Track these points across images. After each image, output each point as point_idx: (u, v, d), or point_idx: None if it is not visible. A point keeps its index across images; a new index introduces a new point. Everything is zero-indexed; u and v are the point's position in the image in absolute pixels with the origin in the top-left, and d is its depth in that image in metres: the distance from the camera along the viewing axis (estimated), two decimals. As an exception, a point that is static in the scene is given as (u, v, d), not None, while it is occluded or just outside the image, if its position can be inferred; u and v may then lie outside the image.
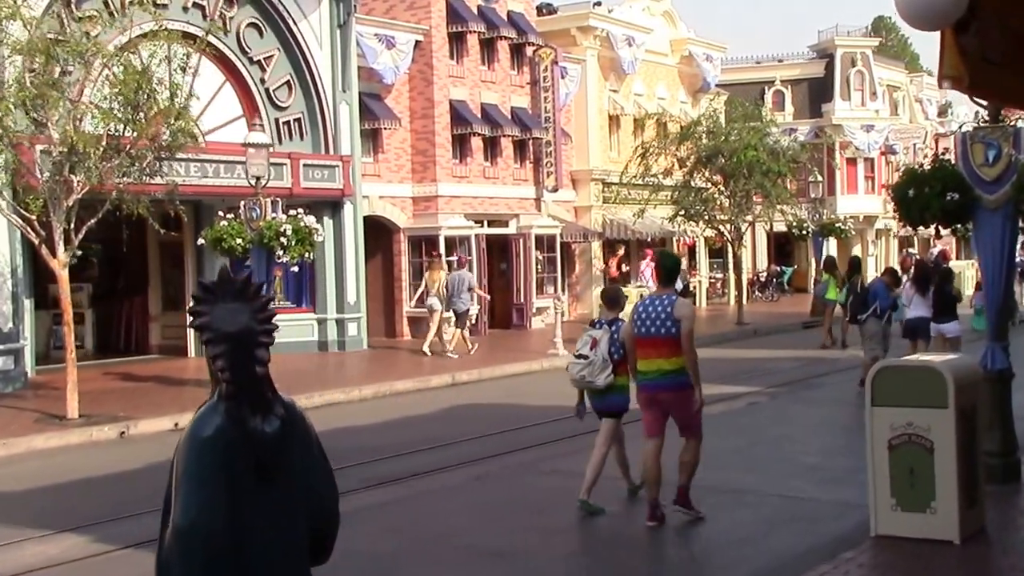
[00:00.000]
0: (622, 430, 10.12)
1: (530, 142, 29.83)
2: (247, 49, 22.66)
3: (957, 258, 44.29)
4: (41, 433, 14.44)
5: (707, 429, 13.26)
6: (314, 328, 24.09)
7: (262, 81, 22.99)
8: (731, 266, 33.44)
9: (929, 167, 9.81)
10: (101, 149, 14.59)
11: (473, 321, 24.38)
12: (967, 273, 36.07)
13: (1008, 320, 9.95)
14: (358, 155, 24.40)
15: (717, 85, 40.07)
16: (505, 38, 28.84)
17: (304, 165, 22.87)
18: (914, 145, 48.30)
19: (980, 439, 8.23)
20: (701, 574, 8.43)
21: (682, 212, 30.53)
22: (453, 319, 22.83)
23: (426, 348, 22.72)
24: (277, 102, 23.26)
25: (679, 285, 22.92)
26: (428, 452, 12.78)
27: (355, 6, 24.05)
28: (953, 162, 9.75)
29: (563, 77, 30.67)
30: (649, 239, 33.96)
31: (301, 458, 3.34)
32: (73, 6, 18.97)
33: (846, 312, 20.26)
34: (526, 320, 28.29)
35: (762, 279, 42.11)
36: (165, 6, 20.86)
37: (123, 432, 14.88)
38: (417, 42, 26.52)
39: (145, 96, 14.67)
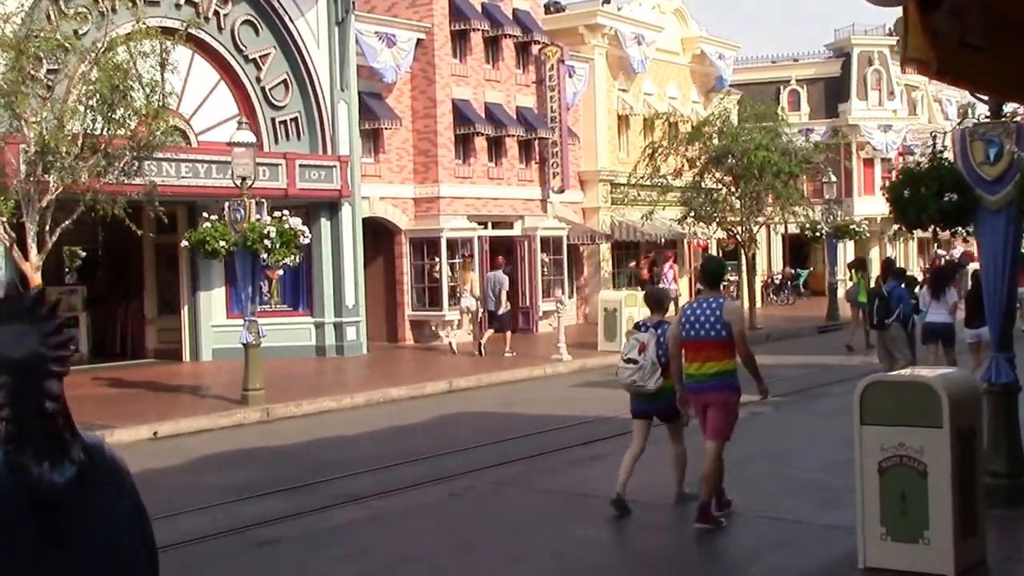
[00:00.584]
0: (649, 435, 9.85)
1: (536, 142, 29.25)
2: (242, 47, 22.18)
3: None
4: (9, 444, 13.93)
5: (695, 444, 12.64)
6: (311, 332, 23.58)
7: (258, 80, 22.50)
8: (744, 269, 32.71)
9: (927, 165, 9.15)
10: (77, 148, 14.12)
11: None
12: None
13: (1012, 329, 9.27)
14: (357, 155, 23.88)
15: (731, 85, 39.39)
16: (510, 36, 28.28)
17: (300, 165, 22.36)
18: (933, 145, 47.42)
19: (980, 461, 7.58)
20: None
21: (692, 213, 29.96)
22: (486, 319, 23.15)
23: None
24: (273, 101, 22.77)
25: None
26: (407, 466, 12.22)
27: (354, 3, 23.53)
28: (952, 160, 9.10)
29: (570, 76, 30.09)
30: (662, 241, 33.33)
31: (105, 515, 2.73)
32: (62, 3, 18.50)
33: (865, 316, 19.56)
34: (532, 324, 27.71)
35: (777, 282, 41.41)
36: (156, 3, 20.45)
37: (98, 442, 14.36)
38: (419, 40, 25.98)
39: (121, 94, 14.17)
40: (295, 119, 23.07)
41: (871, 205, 43.80)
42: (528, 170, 29.25)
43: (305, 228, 16.86)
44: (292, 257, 16.78)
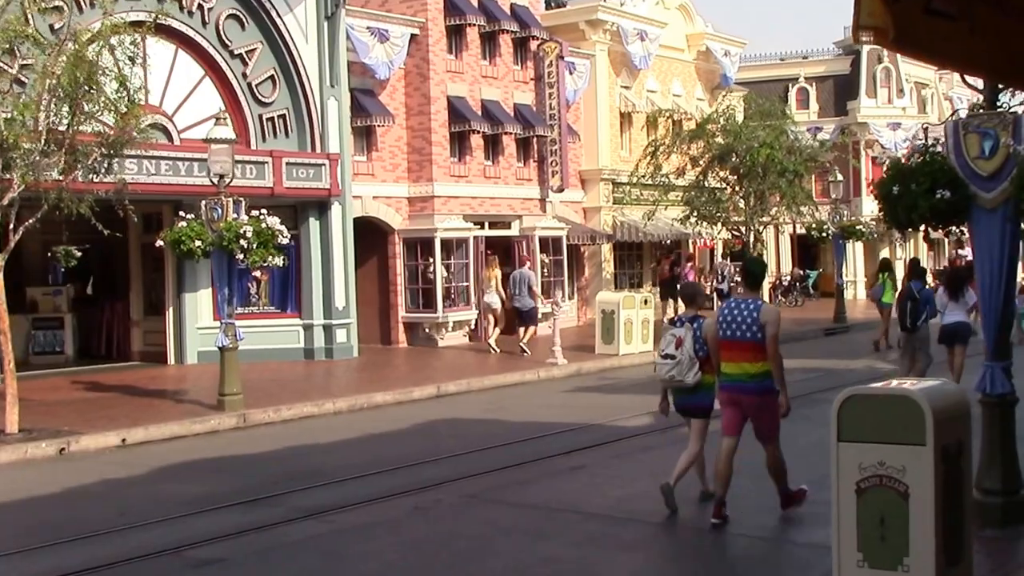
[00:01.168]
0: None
1: (534, 140, 28.60)
2: (228, 42, 21.62)
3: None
4: (-30, 450, 13.43)
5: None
6: (300, 335, 23.01)
7: (244, 75, 21.95)
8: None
9: (918, 160, 8.51)
10: (41, 144, 13.58)
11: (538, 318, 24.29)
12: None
13: (1009, 335, 8.62)
14: (347, 153, 23.30)
15: (738, 82, 38.71)
16: (507, 32, 27.66)
17: (288, 164, 21.78)
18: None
19: (968, 482, 6.95)
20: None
21: (694, 213, 29.35)
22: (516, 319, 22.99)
23: (492, 343, 23.51)
24: (260, 98, 22.20)
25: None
26: (377, 477, 11.64)
27: (344, -3, 22.97)
28: (944, 155, 8.46)
29: (571, 73, 29.47)
30: (668, 241, 32.71)
31: None
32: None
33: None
34: (480, 330, 26.96)
35: (785, 283, 40.69)
36: (136, -3, 19.88)
37: (63, 449, 13.83)
38: (413, 36, 25.39)
39: (86, 89, 13.62)
40: (283, 116, 22.50)
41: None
42: (526, 169, 28.62)
43: (284, 228, 16.28)
44: (271, 258, 16.21)
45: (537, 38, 28.55)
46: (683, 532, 9.10)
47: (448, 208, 25.87)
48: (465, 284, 25.84)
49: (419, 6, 25.61)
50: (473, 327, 26.13)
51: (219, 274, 16.20)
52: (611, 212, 31.08)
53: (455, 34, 26.57)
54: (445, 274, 25.49)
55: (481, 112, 26.84)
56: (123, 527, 9.66)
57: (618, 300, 23.56)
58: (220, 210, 15.87)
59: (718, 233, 32.16)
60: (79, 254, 29.24)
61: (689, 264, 32.02)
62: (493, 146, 27.60)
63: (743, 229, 29.31)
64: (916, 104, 46.47)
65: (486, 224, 27.22)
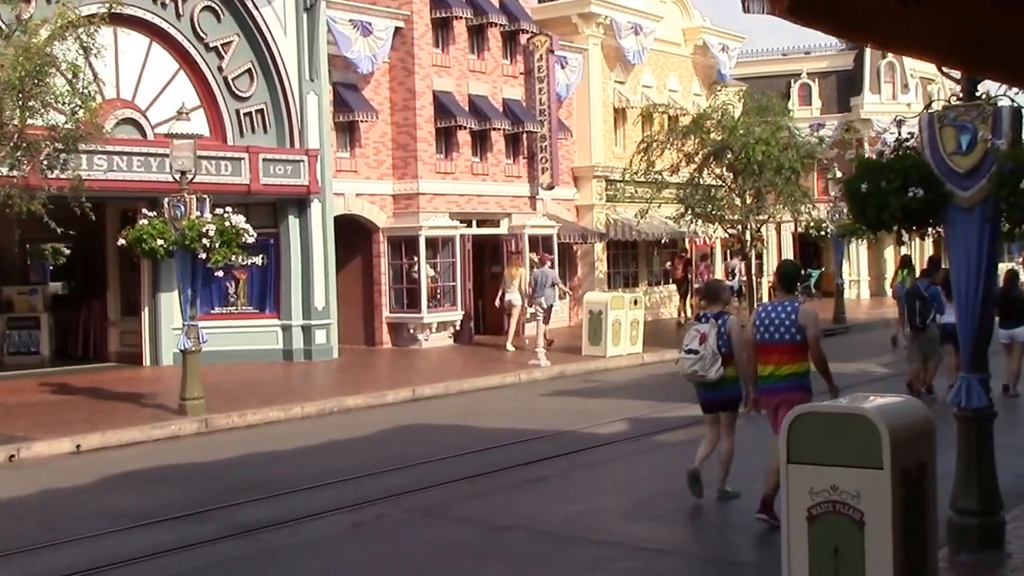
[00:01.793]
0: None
1: (523, 136, 27.93)
2: (203, 35, 21.00)
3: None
4: (-87, 457, 12.86)
5: (650, 466, 11.48)
6: (279, 335, 22.40)
7: (220, 69, 21.33)
8: (745, 268, 31.31)
9: (890, 155, 7.87)
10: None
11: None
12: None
13: (987, 346, 7.97)
14: (327, 149, 22.67)
15: (740, 78, 37.98)
16: (496, 25, 26.99)
17: (265, 160, 21.16)
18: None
19: (933, 507, 6.31)
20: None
21: (689, 211, 28.64)
22: (540, 316, 22.19)
23: (509, 345, 23.50)
24: (237, 92, 21.59)
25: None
26: (327, 488, 11.05)
27: (323, -11, 22.35)
28: (919, 150, 7.82)
29: (563, 67, 28.79)
30: (665, 240, 32.03)
31: None
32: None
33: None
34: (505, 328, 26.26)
35: (786, 283, 39.95)
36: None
37: (12, 456, 13.27)
38: (397, 29, 24.74)
39: (34, 81, 13.03)
40: (261, 111, 21.89)
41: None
42: (515, 165, 27.96)
43: (249, 227, 15.67)
44: (236, 257, 15.63)
45: (527, 31, 27.87)
46: (630, 556, 8.45)
47: (434, 206, 25.24)
48: (451, 284, 25.22)
49: (404, -1, 25.00)
50: (458, 327, 25.51)
51: (182, 274, 15.59)
52: (604, 210, 30.40)
53: (441, 27, 25.93)
54: (432, 273, 24.87)
55: (468, 107, 26.20)
56: (42, 545, 9.07)
57: (606, 300, 22.91)
58: (183, 208, 15.29)
59: (714, 232, 31.47)
60: (68, 252, 28.61)
61: (704, 263, 32.34)
62: (481, 142, 26.96)
63: (740, 228, 28.61)
64: (922, 99, 45.67)
65: (474, 222, 26.57)
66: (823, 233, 31.52)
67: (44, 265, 32.07)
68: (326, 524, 9.56)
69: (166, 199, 15.49)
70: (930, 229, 8.19)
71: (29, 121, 13.38)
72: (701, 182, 28.27)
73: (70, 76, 13.54)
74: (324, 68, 22.59)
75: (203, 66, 21.07)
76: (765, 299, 37.45)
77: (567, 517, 9.51)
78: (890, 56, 43.19)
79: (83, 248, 26.83)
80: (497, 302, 24.94)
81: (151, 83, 20.43)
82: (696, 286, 29.83)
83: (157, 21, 20.30)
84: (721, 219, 28.90)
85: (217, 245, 15.16)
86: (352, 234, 24.63)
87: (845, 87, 44.33)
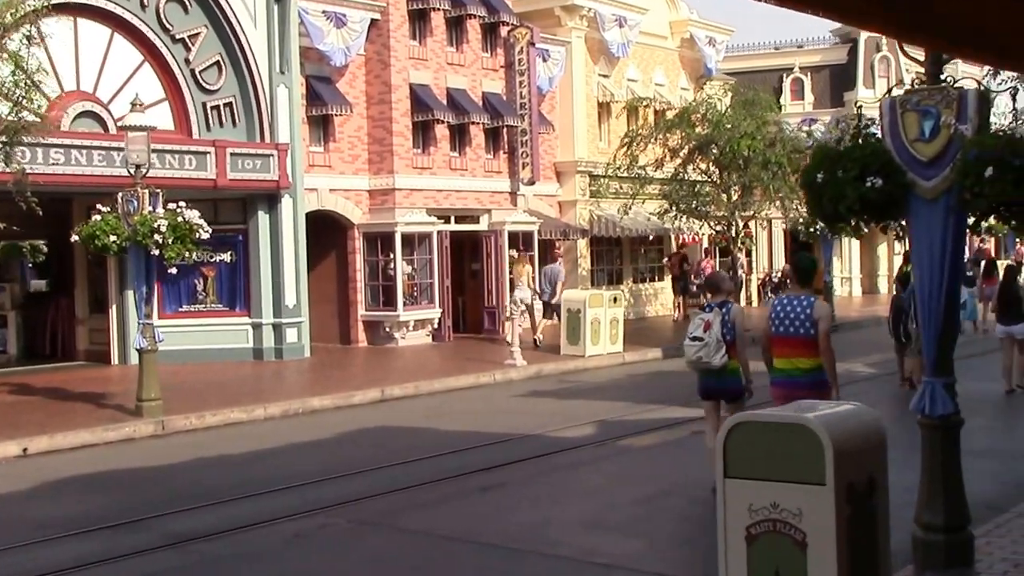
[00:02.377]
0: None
1: (504, 130, 27.37)
2: (169, 26, 20.45)
3: (996, 255, 41.73)
4: None
5: (615, 473, 11.07)
6: (249, 334, 21.87)
7: (187, 61, 20.78)
8: (734, 265, 30.79)
9: (848, 143, 7.33)
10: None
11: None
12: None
13: (953, 348, 7.42)
14: (298, 144, 22.11)
15: (730, 72, 37.44)
16: (475, 17, 26.43)
17: (232, 154, 20.59)
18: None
19: (884, 526, 5.79)
20: None
21: (674, 207, 28.16)
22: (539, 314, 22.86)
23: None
24: (205, 85, 21.04)
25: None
26: (271, 496, 10.55)
27: (295, -20, 21.80)
28: (880, 137, 7.29)
29: (544, 60, 28.25)
30: (651, 236, 31.51)
31: None
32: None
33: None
34: (498, 325, 25.78)
35: (776, 280, 39.44)
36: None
37: (-47, 461, 12.78)
38: (373, 21, 24.19)
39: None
40: (229, 104, 21.33)
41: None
42: (495, 160, 27.41)
43: (203, 222, 15.15)
44: (190, 254, 15.10)
45: (507, 24, 27.31)
46: (588, 570, 7.94)
47: (411, 201, 24.70)
48: (429, 281, 24.69)
49: (380, -11, 24.43)
50: (436, 326, 24.99)
51: (136, 271, 15.09)
52: (587, 206, 29.86)
53: (418, 19, 25.36)
54: (408, 270, 24.35)
55: (447, 101, 25.64)
56: (-43, 559, 8.56)
57: (584, 298, 22.36)
58: (136, 203, 14.77)
59: (700, 228, 30.96)
60: (46, 249, 28.06)
61: (707, 261, 32.35)
62: (460, 137, 26.41)
63: (726, 224, 28.11)
64: (915, 95, 45.14)
65: (452, 218, 26.04)
66: (812, 230, 30.96)
67: (23, 263, 31.61)
68: (267, 534, 9.07)
69: (119, 194, 14.98)
70: (892, 223, 7.64)
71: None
72: (686, 177, 27.79)
73: (12, 67, 13.03)
74: (295, 60, 22.05)
75: (169, 58, 20.53)
76: (754, 296, 37.06)
77: (519, 528, 9.00)
78: (884, 50, 42.66)
79: (55, 245, 26.32)
80: (508, 302, 24.36)
81: (113, 76, 19.89)
82: (697, 282, 29.59)
83: (119, 11, 19.74)
84: (706, 215, 28.43)
85: (170, 241, 14.66)
86: (326, 230, 24.11)
87: (838, 81, 43.78)
